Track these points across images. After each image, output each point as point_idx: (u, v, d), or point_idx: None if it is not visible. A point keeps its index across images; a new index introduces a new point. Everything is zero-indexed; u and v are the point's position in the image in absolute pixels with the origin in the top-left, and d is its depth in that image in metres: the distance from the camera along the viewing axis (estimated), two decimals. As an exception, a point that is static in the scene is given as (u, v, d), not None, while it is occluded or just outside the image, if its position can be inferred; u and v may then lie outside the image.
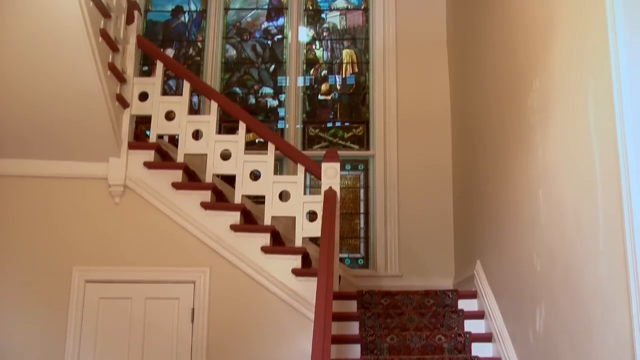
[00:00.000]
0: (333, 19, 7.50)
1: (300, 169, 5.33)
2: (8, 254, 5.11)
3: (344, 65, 7.35)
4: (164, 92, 5.90)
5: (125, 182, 5.23)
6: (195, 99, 7.09)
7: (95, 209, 5.23)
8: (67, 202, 5.22)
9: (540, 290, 3.91)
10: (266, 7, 7.57)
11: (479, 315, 5.06)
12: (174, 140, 6.16)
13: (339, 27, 7.48)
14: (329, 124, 7.19)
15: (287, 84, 7.25)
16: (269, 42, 7.46)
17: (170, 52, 7.34)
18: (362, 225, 6.92)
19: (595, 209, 3.06)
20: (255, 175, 5.36)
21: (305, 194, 5.36)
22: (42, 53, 4.62)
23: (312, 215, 5.26)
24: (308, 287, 4.89)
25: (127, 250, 5.17)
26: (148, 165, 5.28)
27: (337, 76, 7.32)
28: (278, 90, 7.30)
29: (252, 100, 7.29)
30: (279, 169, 6.74)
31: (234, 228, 5.14)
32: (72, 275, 5.10)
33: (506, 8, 4.66)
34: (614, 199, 2.83)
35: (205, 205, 5.19)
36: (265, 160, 5.34)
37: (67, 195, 5.23)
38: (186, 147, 5.38)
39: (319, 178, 5.28)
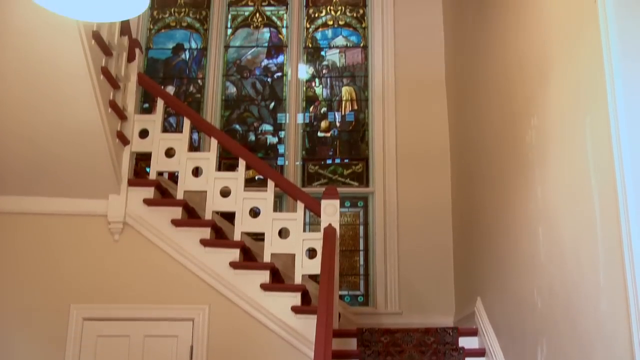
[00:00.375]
0: (332, 56, 7.57)
1: (300, 206, 5.33)
2: (6, 290, 5.09)
3: (344, 103, 7.39)
4: (164, 129, 5.93)
5: (124, 219, 5.23)
6: (195, 136, 7.11)
7: (94, 246, 5.22)
8: (66, 239, 5.22)
9: (541, 327, 3.88)
10: (266, 45, 7.64)
11: (479, 353, 5.02)
12: (173, 177, 6.17)
13: (338, 64, 7.54)
14: (329, 161, 7.21)
15: (287, 121, 7.28)
16: (269, 79, 7.51)
17: (170, 89, 7.38)
18: (361, 262, 6.89)
19: (595, 246, 3.06)
20: (254, 212, 5.36)
21: (304, 231, 5.36)
22: (44, 89, 4.64)
23: (311, 253, 5.24)
24: (308, 324, 4.86)
25: (125, 287, 5.15)
26: (148, 202, 5.28)
27: (336, 113, 7.36)
28: (278, 127, 7.34)
29: (252, 137, 7.32)
30: (278, 206, 6.74)
31: (233, 265, 5.13)
32: (70, 312, 5.07)
33: (503, 47, 4.70)
34: (614, 236, 2.83)
35: (204, 243, 5.18)
36: (265, 198, 5.35)
37: (66, 232, 5.23)
38: (186, 184, 5.39)
39: (319, 215, 5.28)
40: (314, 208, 5.34)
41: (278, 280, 5.53)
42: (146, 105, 7.15)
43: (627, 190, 2.74)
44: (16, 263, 5.15)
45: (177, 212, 5.27)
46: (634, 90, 2.80)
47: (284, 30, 7.65)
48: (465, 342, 5.15)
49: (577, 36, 3.29)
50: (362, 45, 7.54)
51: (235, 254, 5.17)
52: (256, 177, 6.81)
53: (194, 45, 7.61)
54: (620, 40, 2.85)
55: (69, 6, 1.83)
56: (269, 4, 7.74)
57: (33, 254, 5.17)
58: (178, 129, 7.02)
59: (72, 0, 1.82)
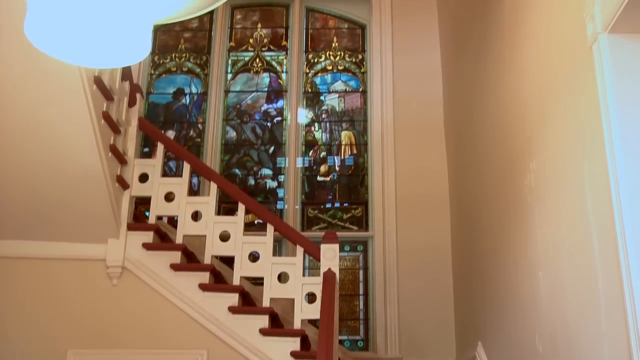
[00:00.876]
0: (332, 101, 7.62)
1: (299, 250, 5.31)
2: (3, 334, 5.04)
3: (343, 147, 7.42)
4: (164, 173, 5.94)
5: (123, 263, 5.21)
6: (195, 180, 7.13)
7: (93, 290, 5.19)
8: (64, 284, 5.19)
9: (542, 373, 3.85)
10: (266, 89, 7.70)
11: (481, 399, 4.97)
12: (173, 221, 6.16)
13: (337, 109, 7.59)
14: (328, 205, 7.21)
15: (287, 165, 7.31)
16: (269, 124, 7.56)
17: (171, 133, 7.43)
18: (361, 306, 6.85)
19: (596, 291, 3.05)
20: (254, 257, 5.34)
21: (304, 275, 5.33)
22: (44, 133, 4.64)
23: (311, 297, 5.21)
24: (307, 370, 4.82)
25: (123, 332, 5.10)
26: (147, 246, 5.26)
27: (335, 157, 7.39)
28: (277, 172, 7.36)
29: (252, 181, 7.34)
30: (277, 250, 6.72)
31: (232, 310, 5.09)
32: (67, 358, 5.01)
33: (501, 91, 4.74)
34: (614, 281, 2.82)
35: (203, 287, 5.15)
36: (264, 242, 5.33)
37: (64, 277, 5.20)
38: (185, 229, 5.38)
39: (318, 259, 5.26)
40: (313, 252, 5.32)
41: (277, 324, 5.48)
42: (146, 149, 7.18)
43: (626, 235, 2.73)
44: (14, 307, 5.11)
45: (176, 257, 5.25)
46: (632, 135, 2.82)
47: (283, 75, 7.72)
48: (467, 388, 5.10)
49: (574, 81, 3.32)
50: (361, 90, 7.61)
51: (234, 299, 5.14)
52: (255, 221, 6.80)
53: (194, 90, 7.67)
54: (616, 85, 2.88)
55: (71, 52, 1.85)
56: (269, 50, 7.83)
57: (31, 298, 5.14)
58: (178, 173, 7.03)
59: (74, 46, 1.84)
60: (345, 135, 7.47)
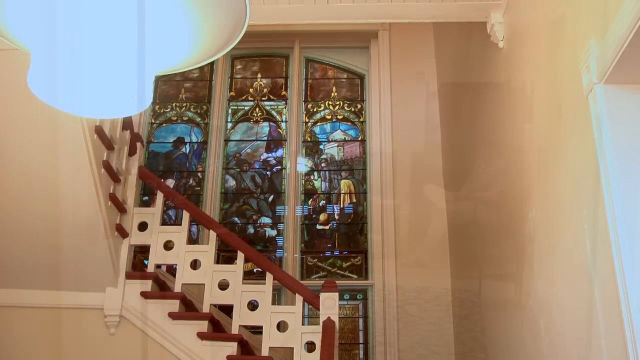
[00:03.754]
0: (331, 150, 7.66)
1: (299, 299, 5.29)
2: (-1, 387, 5.01)
3: (342, 196, 7.44)
4: (163, 222, 5.94)
5: (121, 312, 5.18)
6: (194, 228, 7.12)
7: (90, 339, 5.15)
8: (61, 332, 5.15)
9: None
10: (265, 138, 7.75)
11: None
12: (172, 269, 6.14)
13: (337, 158, 7.63)
14: (328, 254, 7.20)
15: (286, 214, 7.31)
16: (268, 172, 7.58)
17: (170, 182, 7.45)
18: (361, 355, 6.79)
19: (598, 340, 3.03)
20: (253, 305, 5.32)
21: (303, 324, 5.30)
22: (44, 182, 4.67)
23: (310, 346, 5.17)
24: (306, 421, 4.76)
25: (121, 383, 5.06)
26: (145, 295, 5.24)
27: (335, 206, 7.40)
28: (277, 220, 7.36)
29: (251, 229, 7.33)
30: (277, 299, 6.69)
31: (231, 359, 5.05)
32: (64, 409, 4.97)
33: (499, 139, 4.77)
34: (616, 330, 2.81)
35: (202, 336, 5.12)
36: (264, 290, 5.31)
37: (61, 325, 5.17)
38: (184, 277, 5.36)
39: (318, 308, 5.24)
40: (312, 301, 5.30)
41: (276, 375, 5.44)
42: (146, 197, 7.19)
43: (627, 281, 2.73)
44: (11, 356, 5.07)
45: (174, 305, 5.23)
46: (629, 182, 2.83)
47: (283, 125, 7.77)
48: None
49: (571, 130, 3.35)
50: (360, 139, 7.65)
51: (233, 347, 5.10)
52: (255, 270, 6.78)
53: (194, 139, 7.72)
54: (612, 133, 2.90)
55: (73, 103, 1.87)
56: (269, 99, 7.90)
57: (28, 347, 5.10)
58: (177, 221, 7.03)
59: (76, 97, 1.86)
60: (345, 184, 7.50)
